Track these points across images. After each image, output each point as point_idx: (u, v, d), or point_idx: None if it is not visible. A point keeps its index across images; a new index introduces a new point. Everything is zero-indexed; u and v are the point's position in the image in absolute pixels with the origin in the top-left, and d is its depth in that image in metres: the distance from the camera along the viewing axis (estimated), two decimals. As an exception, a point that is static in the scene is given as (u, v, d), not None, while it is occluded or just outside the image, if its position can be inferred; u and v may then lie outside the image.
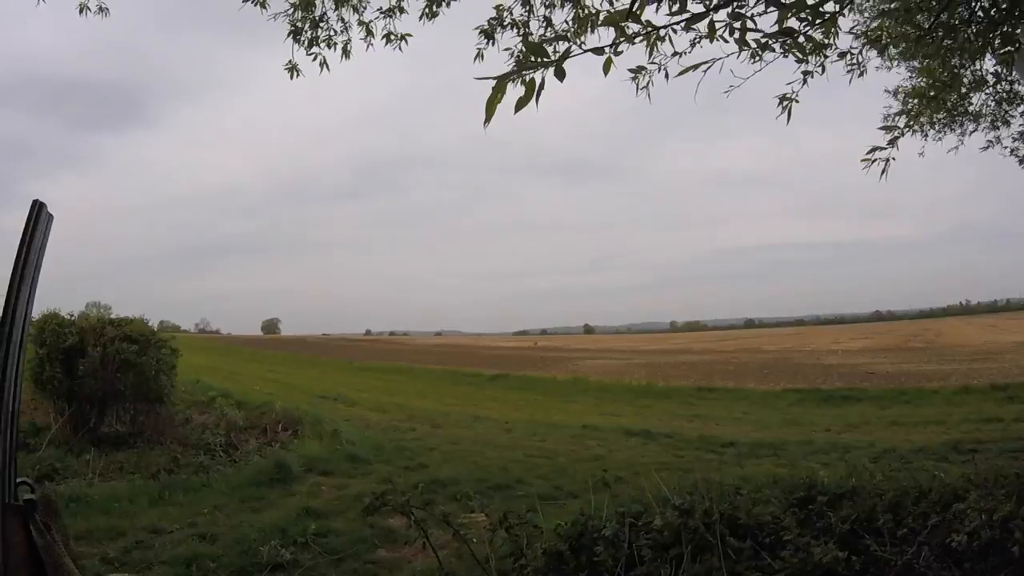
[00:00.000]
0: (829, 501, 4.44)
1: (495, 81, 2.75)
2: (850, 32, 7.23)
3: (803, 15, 3.76)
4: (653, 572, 4.00)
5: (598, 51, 3.08)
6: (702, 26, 3.57)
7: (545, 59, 2.90)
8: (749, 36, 3.56)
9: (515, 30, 7.92)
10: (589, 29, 6.42)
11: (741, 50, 3.83)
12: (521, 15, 7.91)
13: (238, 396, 15.07)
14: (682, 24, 3.50)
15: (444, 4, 8.00)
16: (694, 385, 23.73)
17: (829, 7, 4.33)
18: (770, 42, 3.85)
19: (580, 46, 3.01)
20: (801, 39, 4.13)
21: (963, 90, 9.38)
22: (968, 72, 8.94)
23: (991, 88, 9.62)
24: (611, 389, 24.37)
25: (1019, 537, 3.67)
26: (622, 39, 3.21)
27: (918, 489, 4.51)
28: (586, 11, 7.28)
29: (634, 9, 3.08)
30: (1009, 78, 9.28)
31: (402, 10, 8.07)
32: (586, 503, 5.05)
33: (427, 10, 7.99)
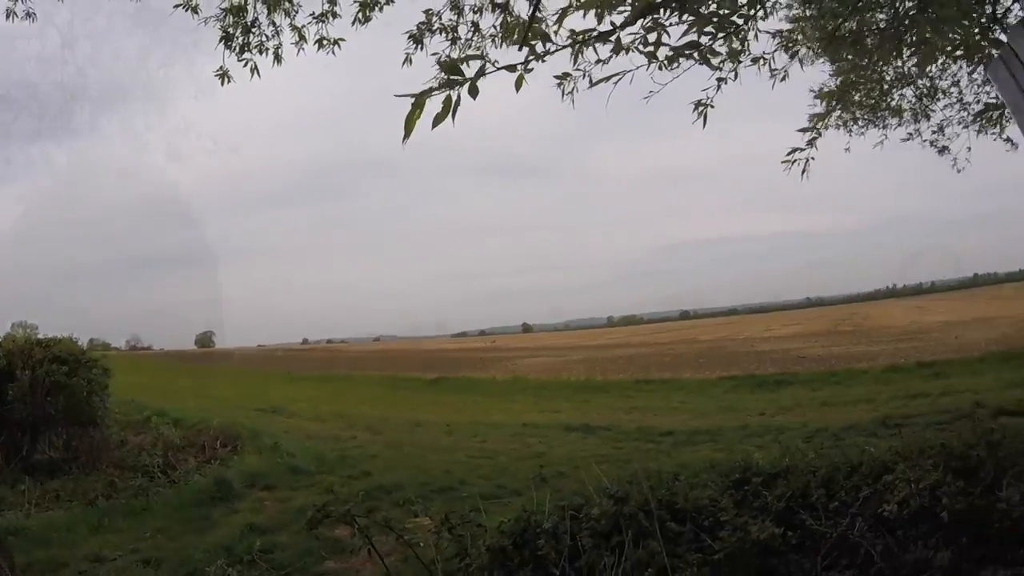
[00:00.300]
0: (764, 481, 4.57)
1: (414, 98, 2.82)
2: (768, 32, 7.45)
3: (708, 29, 3.89)
4: (595, 561, 4.08)
5: (511, 68, 3.16)
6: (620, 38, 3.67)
7: (460, 77, 2.98)
8: (661, 50, 3.68)
9: (444, 35, 7.98)
10: (517, 36, 6.50)
11: (651, 63, 3.96)
12: (450, 20, 7.96)
13: (174, 414, 14.79)
14: (590, 40, 3.61)
15: (377, 8, 8.00)
16: (631, 378, 23.96)
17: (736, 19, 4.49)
18: (679, 54, 3.98)
19: (494, 64, 3.09)
20: (708, 50, 4.28)
21: (885, 87, 9.78)
22: (890, 70, 9.31)
23: (912, 84, 10.04)
24: (550, 386, 24.50)
25: (947, 503, 3.84)
26: (532, 57, 3.30)
27: (849, 464, 4.68)
28: (514, 18, 7.38)
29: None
30: (929, 75, 9.72)
31: (335, 15, 8.06)
32: (528, 500, 5.11)
33: (360, 15, 7.99)
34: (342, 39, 8.14)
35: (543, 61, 3.38)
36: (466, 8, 7.96)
